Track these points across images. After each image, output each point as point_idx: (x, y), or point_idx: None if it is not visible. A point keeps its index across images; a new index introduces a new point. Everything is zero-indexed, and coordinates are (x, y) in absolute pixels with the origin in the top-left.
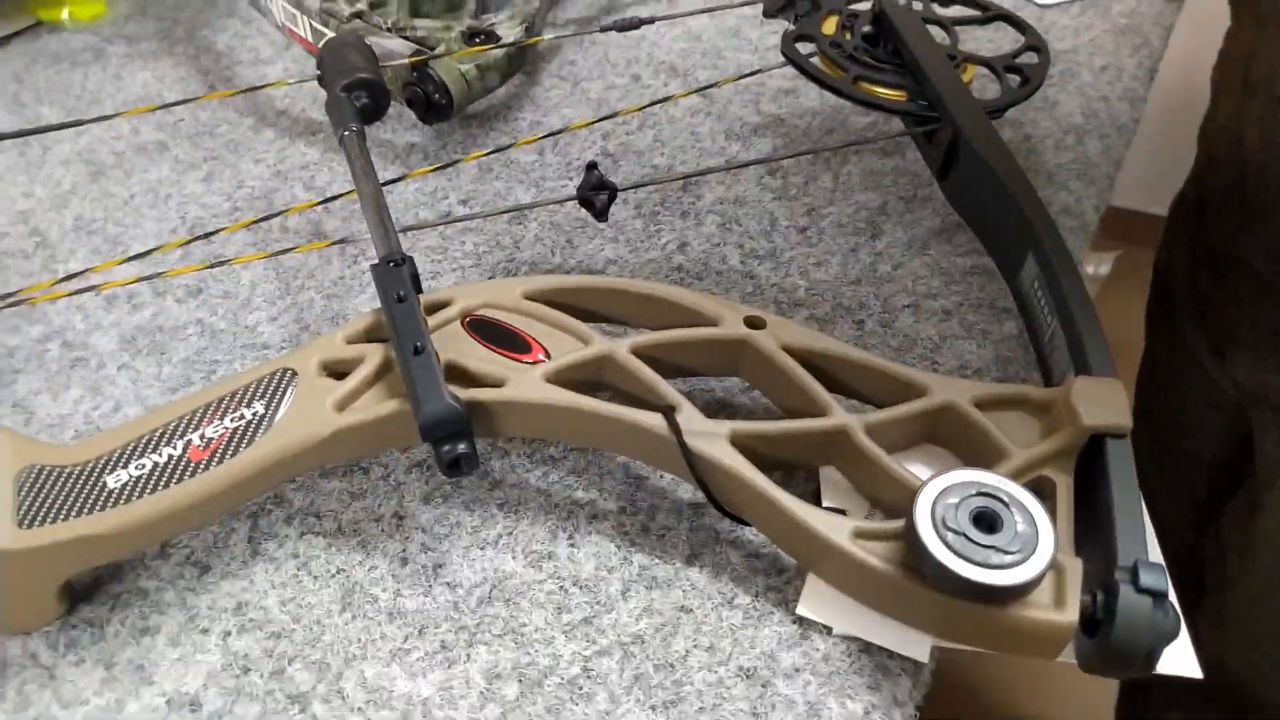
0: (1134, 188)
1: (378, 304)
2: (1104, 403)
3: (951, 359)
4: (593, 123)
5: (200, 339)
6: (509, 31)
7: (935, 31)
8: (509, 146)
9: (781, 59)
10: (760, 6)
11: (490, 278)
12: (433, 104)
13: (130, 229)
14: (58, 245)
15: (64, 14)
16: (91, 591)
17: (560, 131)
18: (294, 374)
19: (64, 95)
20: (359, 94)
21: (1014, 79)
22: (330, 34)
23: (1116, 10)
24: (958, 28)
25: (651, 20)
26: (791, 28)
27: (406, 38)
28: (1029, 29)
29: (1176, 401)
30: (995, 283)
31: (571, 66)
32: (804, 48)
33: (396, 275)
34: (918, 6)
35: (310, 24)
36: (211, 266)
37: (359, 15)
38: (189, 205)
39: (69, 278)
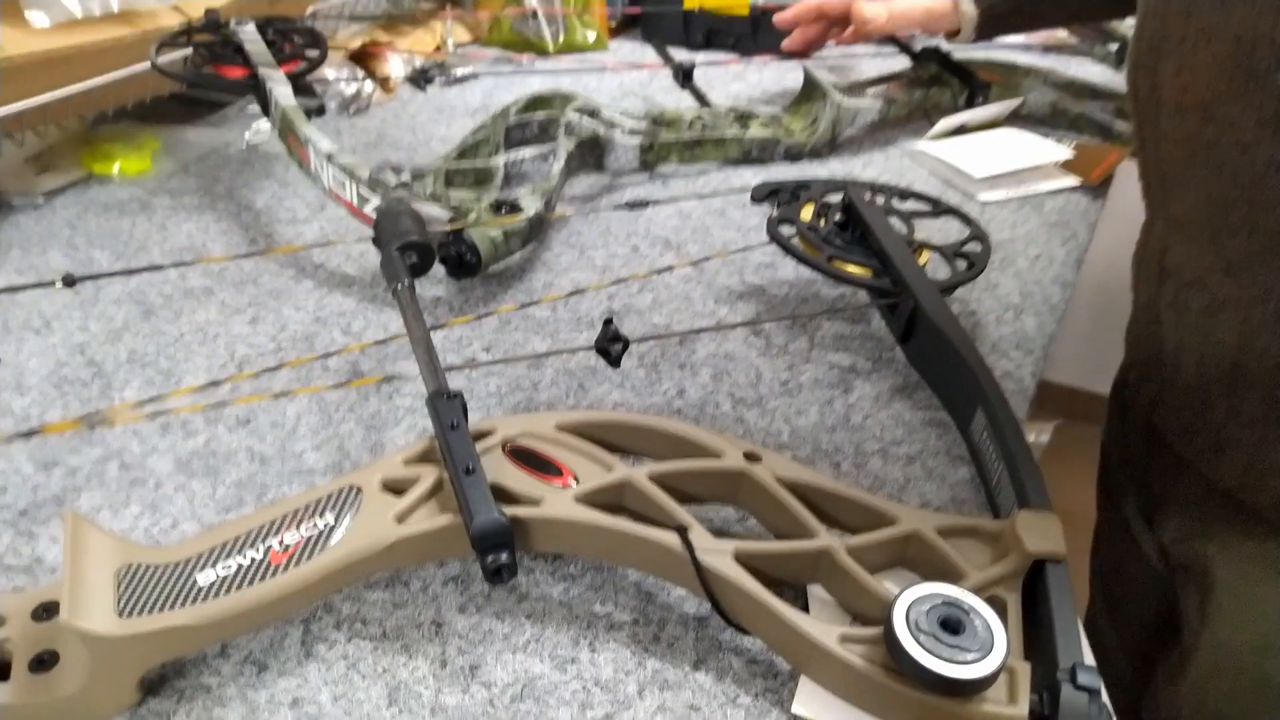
0: (1072, 365)
1: (412, 435)
2: (1044, 533)
3: (915, 498)
4: (604, 286)
5: (250, 464)
6: (530, 204)
7: (895, 222)
8: (533, 303)
9: (765, 238)
10: (747, 193)
11: (513, 414)
12: (464, 263)
13: (181, 363)
14: (113, 375)
15: (115, 168)
16: (159, 686)
17: (576, 293)
18: (359, 490)
19: (114, 241)
20: (410, 254)
21: (962, 263)
22: (376, 199)
23: (1049, 207)
24: (914, 219)
25: (655, 202)
26: (774, 213)
27: (443, 205)
28: (973, 222)
29: (1118, 566)
30: (951, 434)
31: (579, 236)
32: (785, 230)
33: (451, 406)
34: (880, 201)
35: (358, 190)
36: (276, 397)
37: (404, 185)
38: (236, 344)
39: (146, 402)
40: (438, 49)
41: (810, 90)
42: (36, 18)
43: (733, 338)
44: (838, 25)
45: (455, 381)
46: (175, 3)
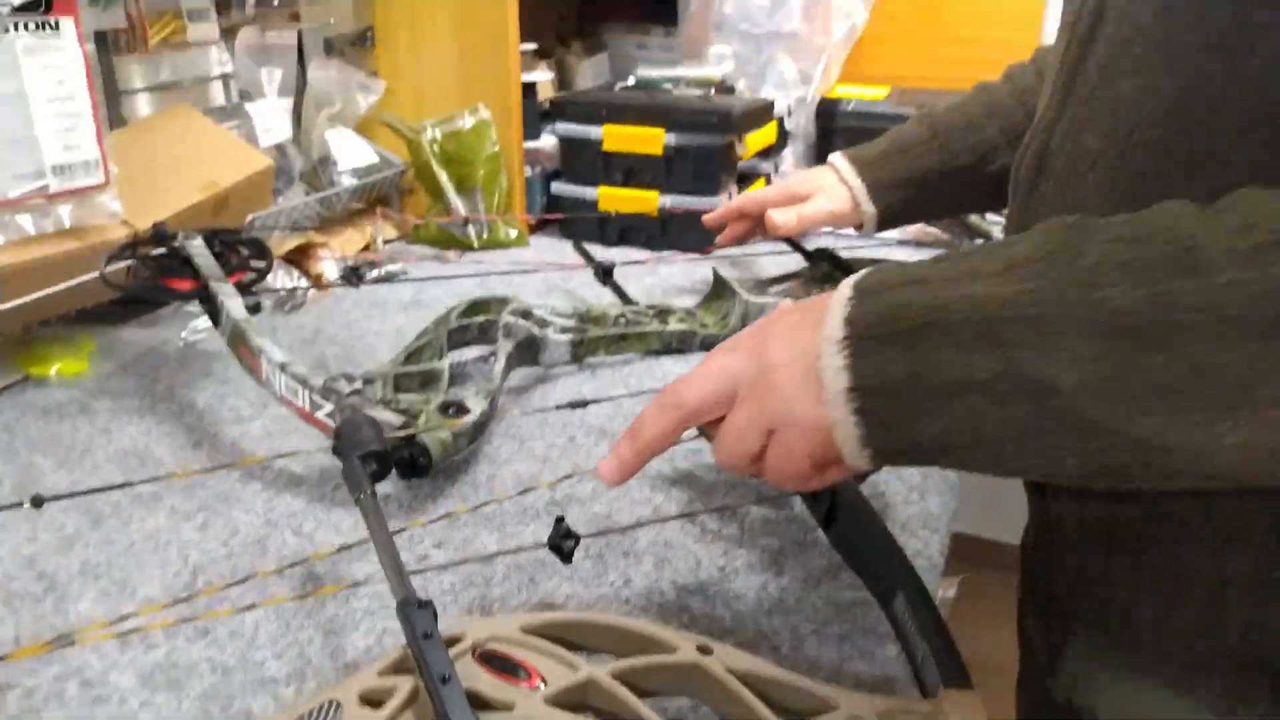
0: (975, 515)
1: (371, 638)
2: (969, 713)
3: (850, 678)
4: (556, 482)
5: (213, 675)
6: (476, 405)
7: None
8: (485, 504)
9: (693, 431)
10: None
11: (469, 612)
12: (416, 465)
13: (135, 573)
14: (66, 587)
15: (52, 370)
16: None
17: (527, 491)
18: (339, 705)
19: (55, 445)
20: (370, 462)
21: None
22: (329, 406)
23: None
24: None
25: (594, 401)
26: None
27: (393, 409)
28: None
29: (1036, 709)
30: (875, 612)
31: (518, 427)
32: None
33: (423, 615)
34: None
35: (311, 397)
36: (240, 611)
37: (357, 392)
38: (189, 550)
39: (117, 621)
40: (367, 247)
41: (720, 288)
42: None
43: (670, 525)
44: (759, 224)
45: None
46: (123, 217)
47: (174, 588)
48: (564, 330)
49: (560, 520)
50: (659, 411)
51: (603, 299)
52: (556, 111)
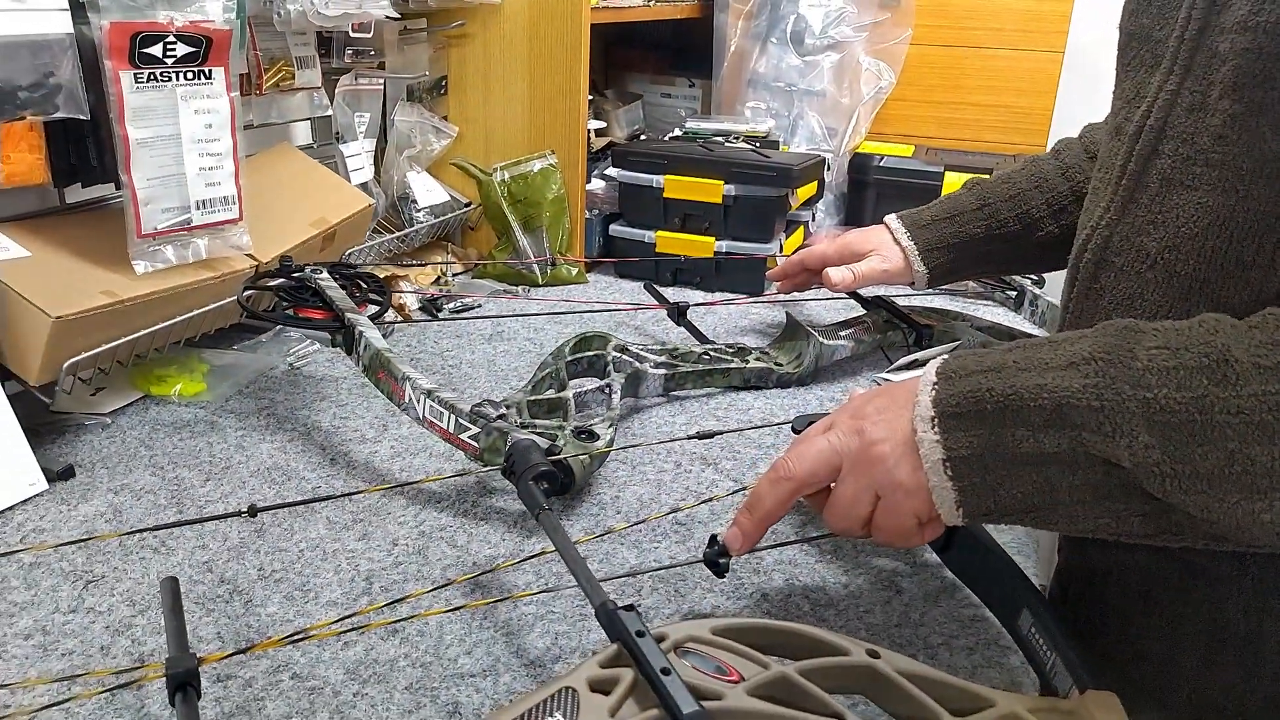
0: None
1: (547, 639)
2: (1110, 710)
3: (985, 682)
4: (692, 507)
5: (414, 670)
6: (605, 432)
7: None
8: (643, 521)
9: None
10: (770, 424)
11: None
12: (561, 484)
13: (313, 578)
14: (251, 591)
15: (175, 390)
16: None
17: (674, 511)
18: (574, 691)
19: (196, 460)
20: (543, 482)
21: None
22: (474, 429)
23: None
24: None
25: (720, 432)
26: None
27: (534, 431)
28: None
29: None
30: (994, 628)
31: (628, 454)
32: None
33: (632, 617)
34: None
35: (456, 420)
36: (445, 612)
37: (502, 417)
38: (357, 559)
39: (343, 618)
40: (436, 281)
41: (793, 330)
42: (140, 266)
43: (791, 548)
44: (816, 277)
45: (571, 595)
46: (248, 250)
47: (353, 592)
48: (658, 365)
49: (714, 539)
50: (772, 485)
51: (670, 335)
52: (618, 159)
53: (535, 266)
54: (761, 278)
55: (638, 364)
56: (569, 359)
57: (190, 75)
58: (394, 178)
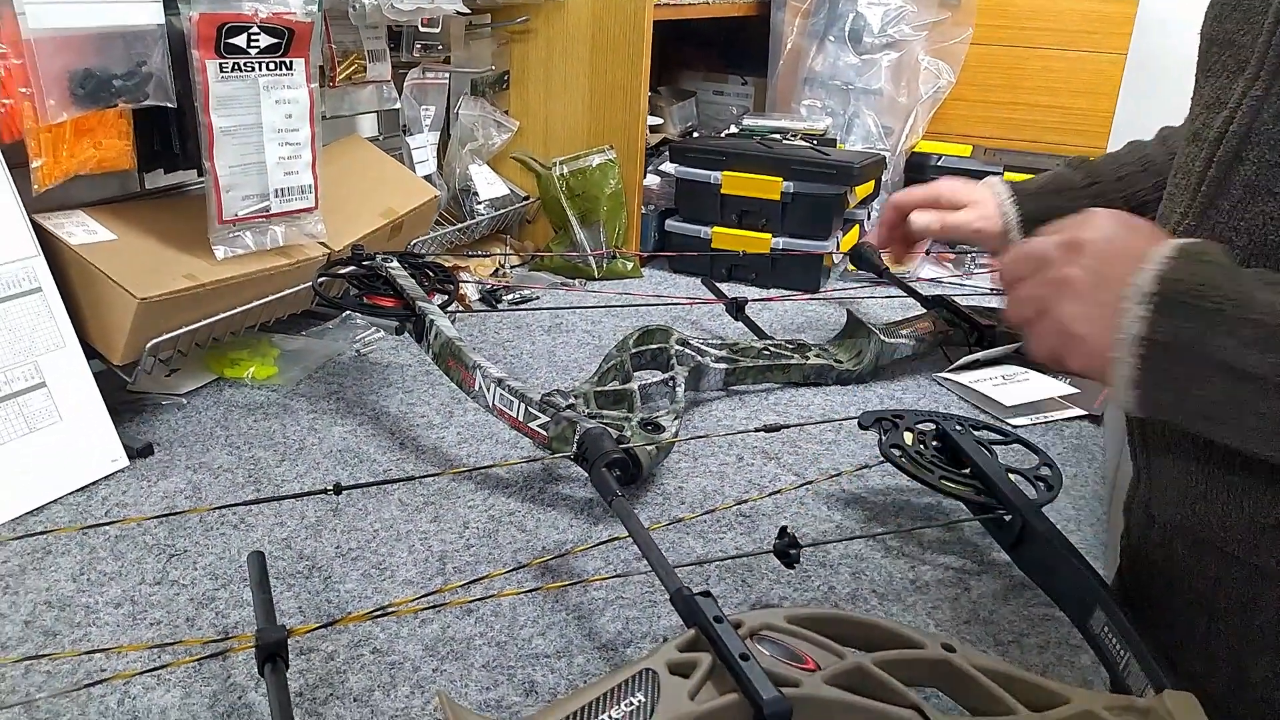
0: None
1: (618, 624)
2: (1188, 709)
3: (1055, 679)
4: (761, 498)
5: (490, 649)
6: (670, 424)
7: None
8: (713, 510)
9: (875, 456)
10: (835, 421)
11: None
12: (629, 473)
13: (388, 557)
14: (329, 568)
15: (248, 373)
16: None
17: (742, 502)
18: (655, 674)
19: (270, 441)
20: (615, 469)
21: (1040, 485)
22: (544, 417)
23: (1067, 432)
24: (988, 447)
25: (786, 426)
26: (884, 438)
27: (601, 422)
28: (1039, 450)
29: None
30: (1065, 626)
31: (690, 446)
32: (894, 452)
33: (710, 603)
34: (960, 430)
35: (526, 409)
36: (526, 593)
37: (570, 406)
38: (430, 540)
39: (424, 595)
40: (496, 272)
41: (854, 328)
42: (220, 251)
43: (857, 541)
44: (904, 219)
45: (640, 581)
46: (321, 238)
47: (427, 572)
48: (719, 360)
49: (784, 530)
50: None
51: (727, 330)
52: (675, 155)
53: (592, 260)
54: (818, 275)
55: (699, 358)
56: (633, 351)
57: (273, 66)
58: (456, 170)
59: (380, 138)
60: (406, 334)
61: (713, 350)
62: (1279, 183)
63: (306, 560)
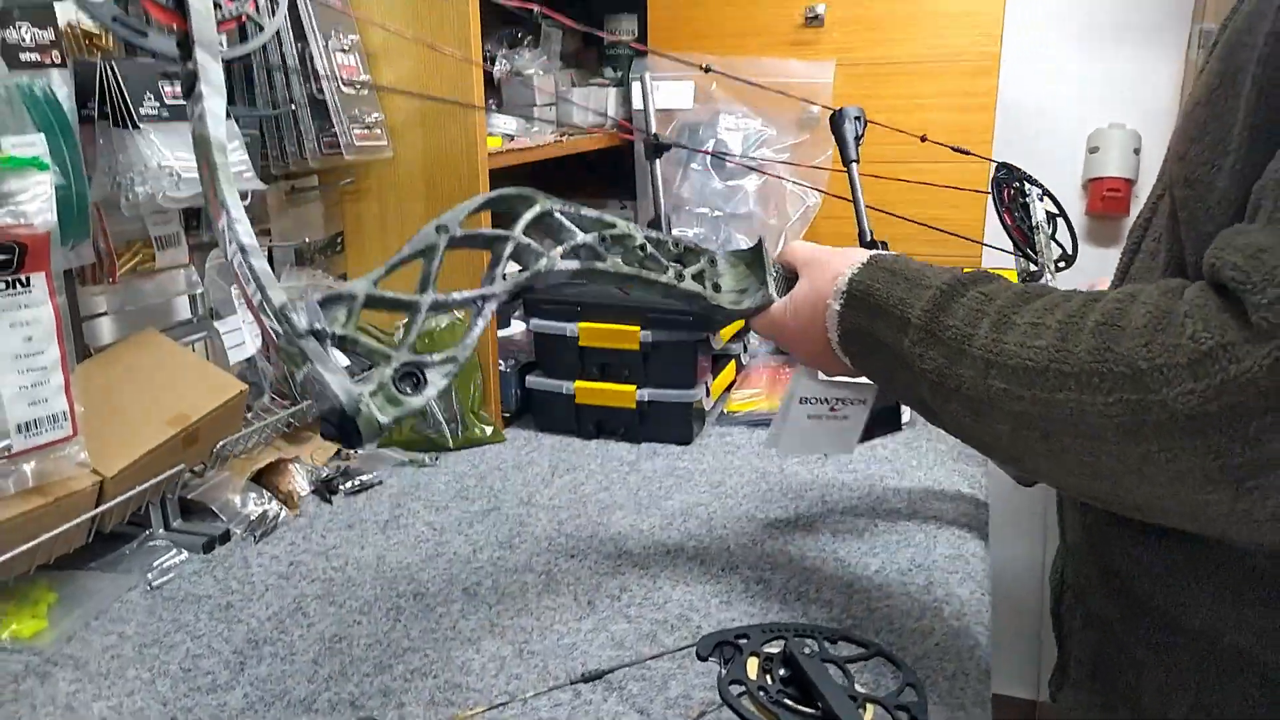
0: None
1: None
2: None
3: None
4: None
5: None
6: (437, 378)
7: (833, 670)
8: None
9: (718, 700)
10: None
11: None
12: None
13: None
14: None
15: (6, 633)
16: None
17: None
18: None
19: None
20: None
21: (903, 715)
22: (276, 325)
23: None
24: (849, 665)
25: (609, 672)
26: (723, 672)
27: (356, 348)
28: (905, 667)
29: None
30: None
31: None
32: (735, 689)
33: None
34: (815, 646)
35: (263, 302)
36: None
37: (317, 334)
38: None
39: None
40: (338, 452)
41: (755, 261)
42: None
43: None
44: None
45: None
46: (91, 465)
47: None
48: (570, 255)
49: None
50: None
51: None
52: (529, 308)
53: (444, 428)
54: (690, 425)
55: (543, 257)
56: (459, 235)
57: (3, 285)
58: None
59: (196, 320)
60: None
61: (575, 237)
62: (1154, 272)
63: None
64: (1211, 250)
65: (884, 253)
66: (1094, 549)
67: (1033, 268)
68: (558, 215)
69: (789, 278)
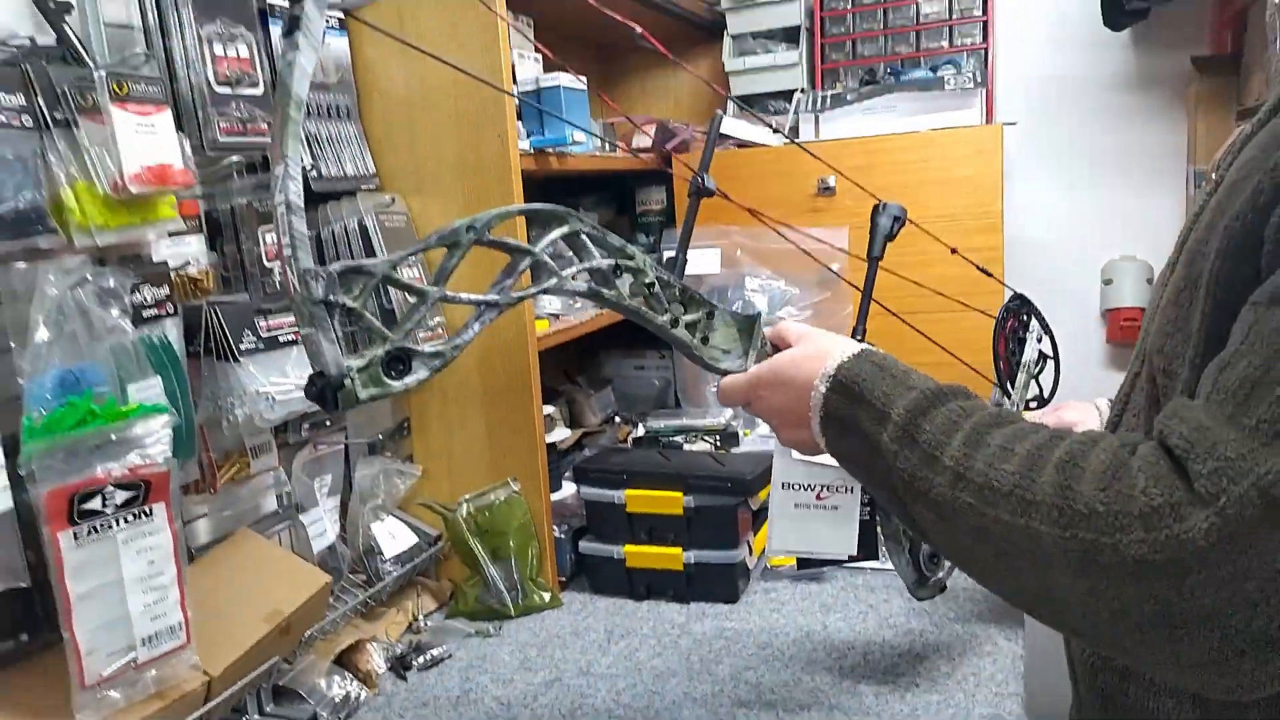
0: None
1: None
2: None
3: None
4: None
5: None
6: (421, 369)
7: None
8: None
9: None
10: None
11: None
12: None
13: None
14: None
15: None
16: None
17: None
18: None
19: None
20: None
21: None
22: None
23: None
24: None
25: None
26: None
27: (353, 327)
28: None
29: None
30: None
31: None
32: None
33: None
34: None
35: (294, 255)
36: None
37: (328, 303)
38: None
39: None
40: (409, 626)
41: (748, 327)
42: (85, 718)
43: None
44: None
45: None
46: (199, 668)
47: None
48: (580, 275)
49: None
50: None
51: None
52: (579, 475)
53: (506, 597)
54: (735, 583)
55: (556, 274)
56: (488, 238)
57: (131, 518)
58: (360, 529)
59: (280, 511)
60: None
61: (594, 259)
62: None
63: None
64: (1161, 417)
65: (874, 349)
66: (1105, 705)
67: (1005, 401)
68: (583, 236)
69: (771, 356)
